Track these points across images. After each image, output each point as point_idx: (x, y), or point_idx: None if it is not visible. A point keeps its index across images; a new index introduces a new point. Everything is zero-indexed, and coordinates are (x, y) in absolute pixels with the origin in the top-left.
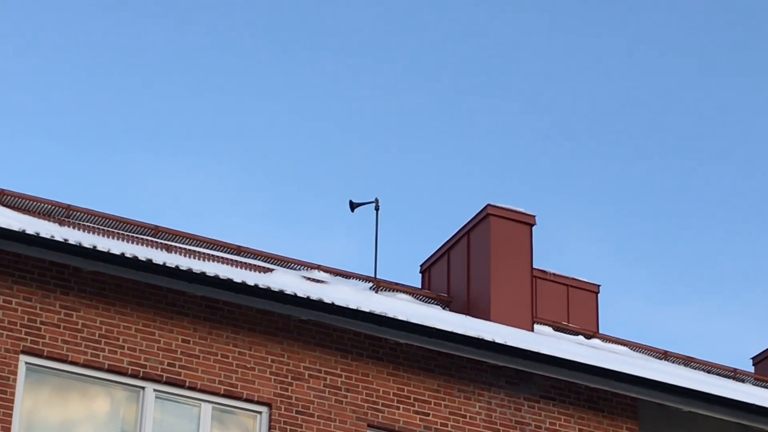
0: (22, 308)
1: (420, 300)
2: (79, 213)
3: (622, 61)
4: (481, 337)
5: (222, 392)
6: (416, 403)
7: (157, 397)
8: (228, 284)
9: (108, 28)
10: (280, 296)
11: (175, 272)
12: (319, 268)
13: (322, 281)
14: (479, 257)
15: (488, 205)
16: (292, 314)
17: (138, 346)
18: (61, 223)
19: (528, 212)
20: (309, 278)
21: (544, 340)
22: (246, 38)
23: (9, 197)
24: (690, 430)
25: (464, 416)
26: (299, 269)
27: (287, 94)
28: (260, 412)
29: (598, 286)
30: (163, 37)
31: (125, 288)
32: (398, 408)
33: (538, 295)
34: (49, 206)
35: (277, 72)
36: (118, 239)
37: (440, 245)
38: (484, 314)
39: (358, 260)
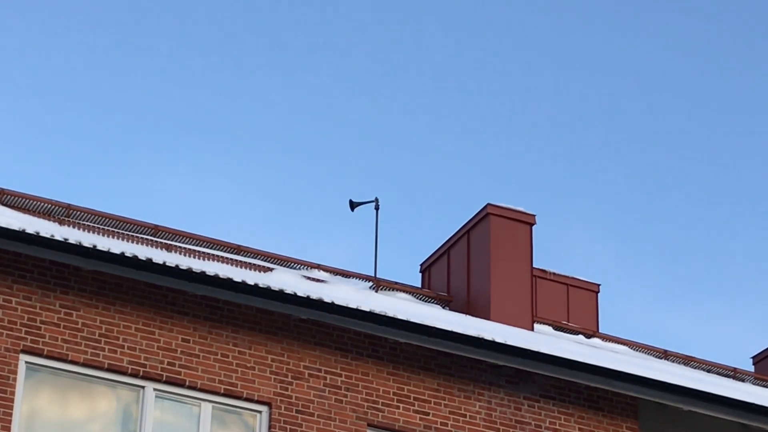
0: (22, 307)
1: (420, 299)
2: (79, 212)
3: (622, 61)
4: (481, 337)
5: (222, 391)
6: (416, 403)
7: (157, 397)
8: (228, 283)
9: (108, 27)
10: (280, 295)
11: (175, 271)
12: (319, 267)
13: (322, 280)
14: (479, 257)
15: (488, 204)
16: (292, 313)
17: (138, 345)
18: (61, 223)
19: (528, 212)
20: (309, 277)
21: (544, 340)
22: (246, 38)
23: (9, 196)
24: (690, 430)
25: (464, 415)
26: (299, 269)
27: (287, 94)
28: (260, 412)
29: (598, 285)
30: (164, 37)
31: (125, 287)
32: (398, 407)
33: (538, 295)
34: (49, 206)
35: (277, 72)
36: (118, 239)
37: (440, 245)
38: (484, 313)
39: (358, 259)
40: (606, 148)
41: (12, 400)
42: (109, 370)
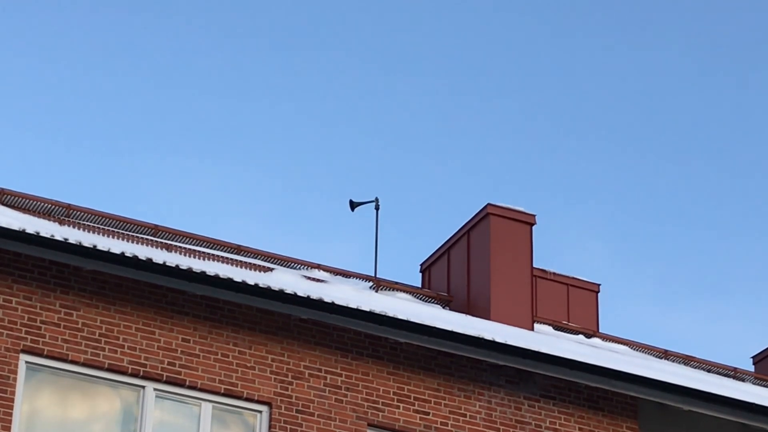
0: (22, 307)
1: (420, 299)
2: (79, 212)
3: (622, 61)
4: (481, 337)
5: (222, 391)
6: (416, 403)
7: (157, 397)
8: (228, 283)
9: (108, 27)
10: (280, 295)
11: (175, 271)
12: (319, 267)
13: (322, 280)
14: (479, 256)
15: (488, 204)
16: (292, 313)
17: (138, 345)
18: (61, 223)
19: (528, 212)
20: (309, 277)
21: (544, 340)
22: (246, 38)
23: (9, 196)
24: (690, 430)
25: (464, 415)
26: (299, 268)
27: (287, 94)
28: (260, 412)
29: (598, 285)
30: (164, 37)
31: (125, 287)
32: (398, 407)
33: (538, 295)
34: (49, 205)
35: (277, 72)
36: (118, 238)
37: (440, 244)
38: (484, 313)
39: (358, 259)
40: (606, 148)
41: (12, 400)
42: (110, 370)
